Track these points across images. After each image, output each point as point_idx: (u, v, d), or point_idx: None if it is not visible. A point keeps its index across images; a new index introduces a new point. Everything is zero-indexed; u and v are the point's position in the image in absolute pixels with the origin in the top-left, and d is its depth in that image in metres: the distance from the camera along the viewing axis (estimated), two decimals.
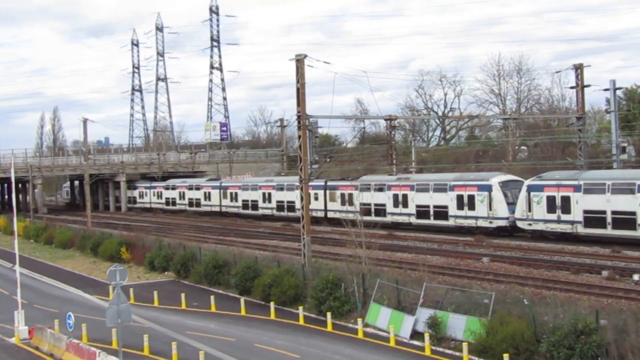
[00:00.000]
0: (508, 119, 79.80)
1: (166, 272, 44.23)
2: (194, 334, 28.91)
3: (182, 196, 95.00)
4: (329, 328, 29.04)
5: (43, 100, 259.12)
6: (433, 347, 25.18)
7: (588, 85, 55.50)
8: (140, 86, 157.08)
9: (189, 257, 42.22)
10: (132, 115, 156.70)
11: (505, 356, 22.38)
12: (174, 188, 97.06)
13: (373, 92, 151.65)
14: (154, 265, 45.33)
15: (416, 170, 76.45)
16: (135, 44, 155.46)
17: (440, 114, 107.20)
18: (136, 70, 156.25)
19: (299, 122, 38.17)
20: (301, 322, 30.35)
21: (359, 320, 28.34)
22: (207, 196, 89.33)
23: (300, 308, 31.07)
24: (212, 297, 34.75)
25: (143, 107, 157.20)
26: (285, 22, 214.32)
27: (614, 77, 58.93)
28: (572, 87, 57.79)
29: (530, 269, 36.99)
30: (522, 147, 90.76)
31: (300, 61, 37.17)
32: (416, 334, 26.55)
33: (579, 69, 54.91)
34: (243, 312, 32.83)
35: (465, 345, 23.95)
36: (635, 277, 32.56)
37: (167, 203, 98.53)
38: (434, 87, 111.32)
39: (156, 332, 29.60)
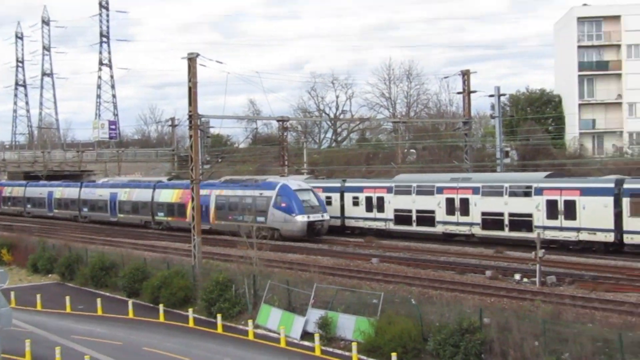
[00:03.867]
0: (398, 122, 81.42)
1: (50, 275, 42.84)
2: (80, 338, 28.12)
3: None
4: (219, 330, 28.84)
5: None
6: (323, 348, 25.39)
7: (474, 91, 57.21)
8: (24, 81, 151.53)
9: (75, 259, 41.09)
10: (15, 111, 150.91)
11: (393, 355, 22.80)
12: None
13: (266, 93, 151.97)
14: (37, 267, 43.81)
15: (307, 172, 76.86)
16: (19, 37, 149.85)
17: (332, 116, 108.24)
18: (20, 64, 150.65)
19: (190, 122, 37.73)
20: (191, 324, 30.03)
21: (250, 322, 28.28)
22: None
23: (190, 310, 30.72)
24: (98, 300, 33.88)
25: (27, 103, 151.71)
26: (181, 21, 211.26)
27: (500, 84, 60.99)
28: (459, 93, 59.46)
29: (418, 269, 37.71)
30: (411, 150, 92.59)
31: (192, 60, 36.76)
32: (306, 335, 26.70)
33: (465, 75, 56.52)
34: (131, 315, 32.18)
35: (354, 345, 24.26)
36: (517, 276, 33.81)
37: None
38: (326, 90, 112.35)
39: (39, 336, 28.60)
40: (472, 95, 56.91)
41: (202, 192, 53.13)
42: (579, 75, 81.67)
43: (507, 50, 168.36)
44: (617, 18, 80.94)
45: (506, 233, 44.04)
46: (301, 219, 50.10)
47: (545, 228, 41.58)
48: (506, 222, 43.90)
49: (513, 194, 43.89)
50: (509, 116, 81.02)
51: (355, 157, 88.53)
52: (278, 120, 66.23)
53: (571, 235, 41.14)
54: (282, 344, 26.44)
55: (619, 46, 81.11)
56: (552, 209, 41.91)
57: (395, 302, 26.42)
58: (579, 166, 62.48)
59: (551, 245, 40.71)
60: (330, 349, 25.42)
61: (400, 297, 27.77)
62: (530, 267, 33.96)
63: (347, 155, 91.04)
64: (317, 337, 25.56)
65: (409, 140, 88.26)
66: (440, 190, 47.57)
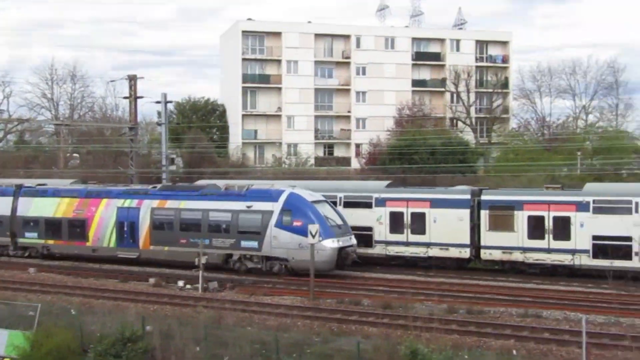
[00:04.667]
0: (60, 124, 78.30)
1: None
2: None
3: None
4: None
5: None
6: None
7: (141, 97, 56.83)
8: None
9: None
10: None
11: None
12: None
13: None
14: None
15: None
16: None
17: None
18: None
19: None
20: None
21: None
22: None
23: None
24: None
25: None
26: None
27: (168, 91, 61.37)
28: (125, 98, 58.57)
29: (79, 278, 36.69)
30: (75, 155, 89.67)
31: None
32: None
33: (132, 80, 55.91)
34: None
35: None
36: (180, 283, 34.19)
37: None
38: None
39: None
40: (139, 100, 56.48)
41: (121, 202, 40.14)
42: (243, 87, 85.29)
43: (175, 58, 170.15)
44: (278, 34, 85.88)
45: None
46: (330, 244, 34.48)
47: (388, 243, 38.41)
48: None
49: (349, 204, 39.34)
50: (175, 123, 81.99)
51: (12, 160, 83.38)
52: None
53: (419, 251, 37.88)
54: None
55: (279, 61, 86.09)
56: (396, 222, 38.34)
57: (53, 314, 25.38)
58: (241, 174, 64.99)
59: (392, 263, 38.49)
60: None
61: (59, 307, 26.77)
62: (194, 274, 34.42)
63: (3, 157, 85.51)
64: None
65: (72, 144, 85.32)
66: None
